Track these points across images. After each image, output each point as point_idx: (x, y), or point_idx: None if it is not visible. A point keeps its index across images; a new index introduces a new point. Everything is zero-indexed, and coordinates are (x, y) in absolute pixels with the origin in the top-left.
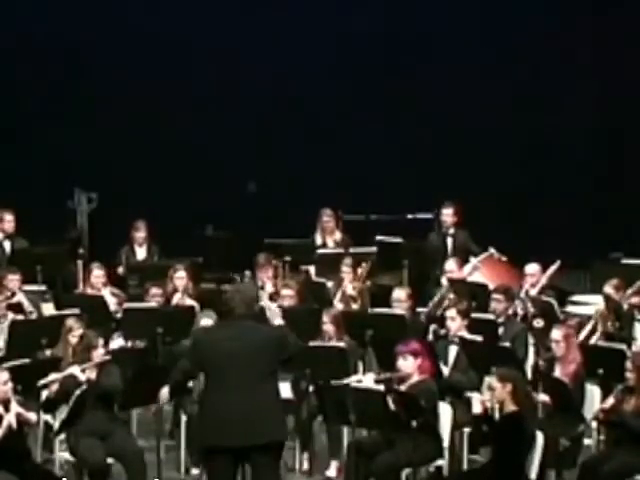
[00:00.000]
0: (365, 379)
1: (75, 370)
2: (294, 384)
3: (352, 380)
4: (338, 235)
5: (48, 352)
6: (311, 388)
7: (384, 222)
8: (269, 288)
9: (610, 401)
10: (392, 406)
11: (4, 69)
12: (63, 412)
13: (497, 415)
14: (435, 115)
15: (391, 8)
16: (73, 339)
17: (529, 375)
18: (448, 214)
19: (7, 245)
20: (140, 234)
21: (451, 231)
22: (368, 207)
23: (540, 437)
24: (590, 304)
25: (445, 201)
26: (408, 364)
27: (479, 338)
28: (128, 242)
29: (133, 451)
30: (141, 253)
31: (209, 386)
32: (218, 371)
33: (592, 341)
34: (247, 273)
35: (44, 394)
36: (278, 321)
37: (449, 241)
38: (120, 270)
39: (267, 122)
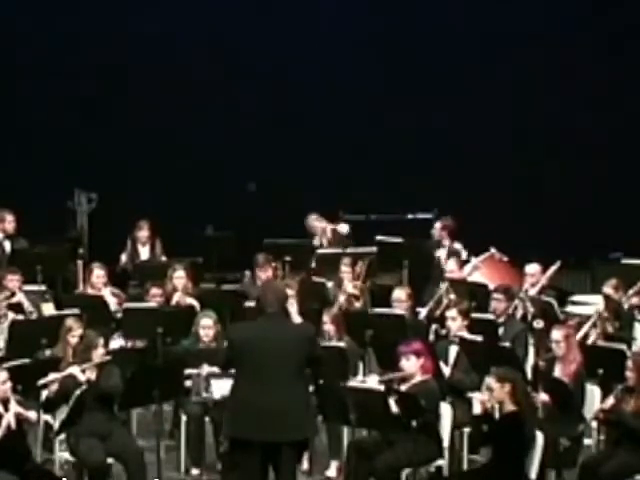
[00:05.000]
0: (369, 380)
1: (75, 370)
2: None
3: (356, 382)
4: (329, 232)
5: (48, 352)
6: (311, 388)
7: (384, 222)
8: None
9: (610, 401)
10: (395, 408)
11: (4, 69)
12: (63, 412)
13: (497, 415)
14: (435, 115)
15: (390, 9)
16: (73, 339)
17: (529, 375)
18: (436, 228)
19: (7, 245)
20: (143, 233)
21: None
22: (368, 207)
23: (540, 437)
24: (590, 304)
25: (442, 216)
26: (411, 364)
27: (479, 338)
28: (132, 241)
29: (133, 451)
30: (144, 253)
31: (242, 382)
32: (251, 367)
33: (589, 341)
34: (247, 273)
35: (44, 394)
36: (297, 319)
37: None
38: (123, 258)
39: (267, 122)
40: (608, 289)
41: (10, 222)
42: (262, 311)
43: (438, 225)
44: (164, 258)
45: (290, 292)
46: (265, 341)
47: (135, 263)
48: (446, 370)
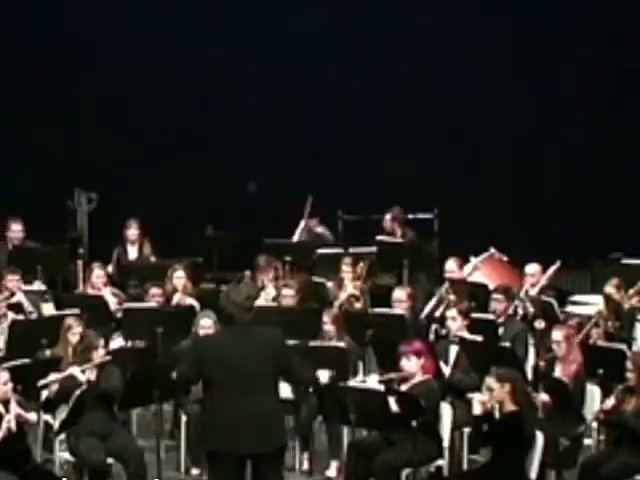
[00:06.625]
0: (369, 380)
1: (75, 371)
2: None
3: (356, 382)
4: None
5: (48, 352)
6: (311, 388)
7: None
8: (270, 290)
9: (610, 401)
10: (395, 407)
11: (4, 69)
12: (63, 412)
13: (497, 415)
14: (435, 115)
15: (390, 9)
16: (73, 337)
17: (529, 375)
18: (386, 219)
19: None
20: (131, 232)
21: None
22: (368, 207)
23: (540, 437)
24: (590, 304)
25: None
26: (412, 364)
27: (479, 338)
28: (121, 242)
29: (133, 451)
30: (133, 252)
31: (212, 393)
32: (220, 378)
33: (590, 341)
34: (247, 273)
35: (44, 394)
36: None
37: None
38: (109, 270)
39: (267, 122)
40: (610, 288)
41: None
42: (229, 320)
43: (388, 217)
44: (153, 259)
45: (290, 292)
46: (231, 352)
47: (121, 264)
48: (446, 370)
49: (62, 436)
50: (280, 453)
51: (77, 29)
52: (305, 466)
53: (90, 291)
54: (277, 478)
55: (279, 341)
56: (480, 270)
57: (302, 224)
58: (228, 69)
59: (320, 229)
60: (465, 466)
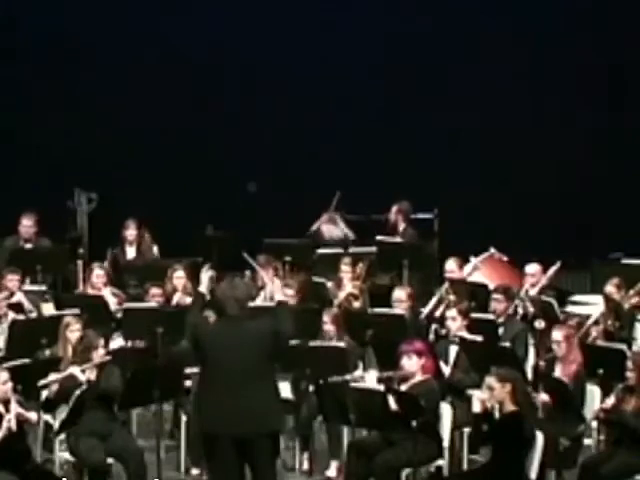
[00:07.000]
0: (368, 377)
1: (75, 370)
2: (294, 384)
3: (355, 376)
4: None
5: (48, 352)
6: (311, 388)
7: (384, 222)
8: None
9: (611, 401)
10: (394, 406)
11: (4, 69)
12: (63, 412)
13: (497, 415)
14: (435, 115)
15: (391, 9)
16: (71, 335)
17: (529, 375)
18: (392, 212)
19: None
20: (130, 232)
21: None
22: (368, 207)
23: (540, 437)
24: (590, 304)
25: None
26: (412, 363)
27: (479, 338)
28: (120, 242)
29: (133, 451)
30: (131, 252)
31: (206, 382)
32: (214, 368)
33: (590, 339)
34: (247, 273)
35: (44, 394)
36: (279, 296)
37: None
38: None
39: (267, 122)
40: (610, 287)
41: None
42: (222, 312)
43: (394, 209)
44: (155, 249)
45: (289, 292)
46: (225, 343)
47: (119, 265)
48: (446, 370)
49: (62, 436)
50: (274, 437)
51: (77, 29)
52: (305, 466)
53: (90, 291)
54: (268, 462)
55: (273, 332)
56: (480, 270)
57: (322, 218)
58: (228, 69)
59: (325, 227)
60: (465, 466)
